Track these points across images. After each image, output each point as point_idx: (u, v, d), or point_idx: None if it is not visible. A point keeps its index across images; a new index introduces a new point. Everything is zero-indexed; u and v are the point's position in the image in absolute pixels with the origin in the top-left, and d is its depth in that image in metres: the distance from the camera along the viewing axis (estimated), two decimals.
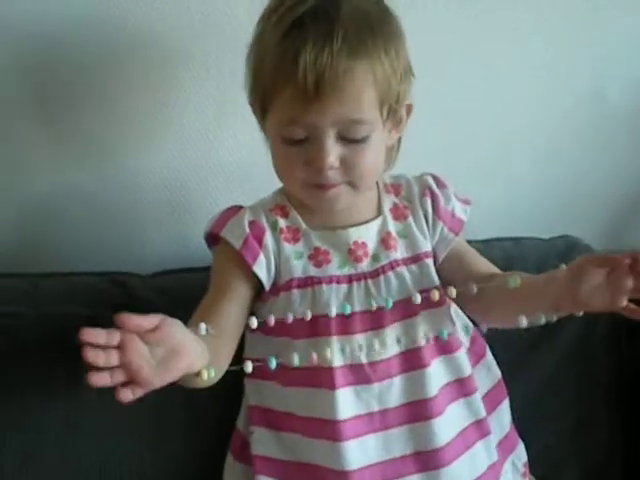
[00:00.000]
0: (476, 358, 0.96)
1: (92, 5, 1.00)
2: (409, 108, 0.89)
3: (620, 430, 1.12)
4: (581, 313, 0.81)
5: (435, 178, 0.96)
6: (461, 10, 1.17)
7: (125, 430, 0.92)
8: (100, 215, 1.09)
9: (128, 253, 1.10)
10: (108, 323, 0.90)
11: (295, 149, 0.82)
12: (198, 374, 0.74)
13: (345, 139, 0.82)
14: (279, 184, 0.93)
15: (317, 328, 0.86)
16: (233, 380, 0.90)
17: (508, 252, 1.14)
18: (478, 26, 1.18)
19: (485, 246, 1.12)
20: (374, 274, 0.89)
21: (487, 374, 0.97)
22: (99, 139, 1.06)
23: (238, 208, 0.91)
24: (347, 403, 0.85)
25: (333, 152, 0.81)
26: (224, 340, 0.84)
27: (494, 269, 0.96)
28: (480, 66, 1.20)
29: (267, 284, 0.88)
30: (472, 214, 0.97)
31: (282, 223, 0.89)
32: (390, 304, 0.86)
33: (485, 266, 0.96)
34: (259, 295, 0.90)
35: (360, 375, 0.86)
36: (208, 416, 0.95)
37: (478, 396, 0.92)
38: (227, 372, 0.92)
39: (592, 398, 1.11)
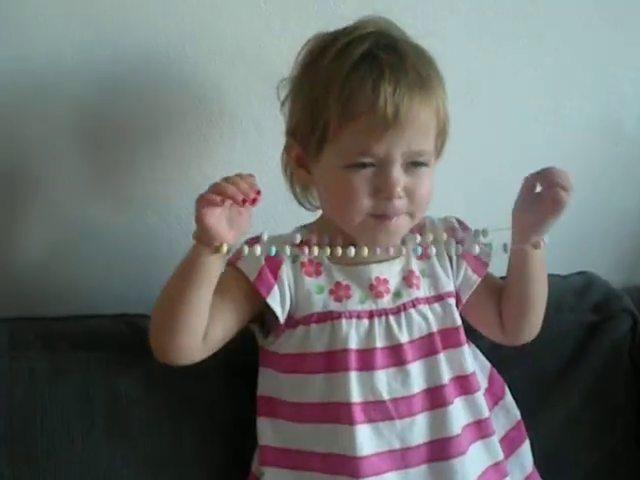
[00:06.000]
0: (495, 399, 0.96)
1: (119, 44, 1.00)
2: None
3: None
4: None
5: (459, 221, 0.96)
6: (475, 43, 1.17)
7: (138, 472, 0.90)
8: (115, 256, 1.07)
9: (143, 294, 1.07)
10: (124, 366, 0.91)
11: (359, 179, 0.81)
12: (219, 248, 0.79)
13: (408, 170, 0.82)
14: (297, 225, 0.93)
15: (335, 363, 0.85)
16: (246, 420, 0.91)
17: None
18: (492, 58, 1.18)
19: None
20: (395, 310, 0.88)
21: (506, 416, 0.96)
22: (113, 179, 1.05)
23: (258, 239, 0.89)
24: (367, 439, 0.84)
25: (400, 182, 0.81)
26: (214, 326, 0.84)
27: None
28: (494, 98, 1.20)
29: (282, 316, 0.86)
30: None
31: (304, 257, 0.88)
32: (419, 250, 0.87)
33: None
34: (262, 326, 0.90)
35: (382, 412, 0.85)
36: (222, 457, 0.94)
37: (495, 439, 0.91)
38: (240, 411, 0.92)
39: (613, 437, 1.09)
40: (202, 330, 0.83)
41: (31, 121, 0.99)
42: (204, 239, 0.80)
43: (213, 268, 0.81)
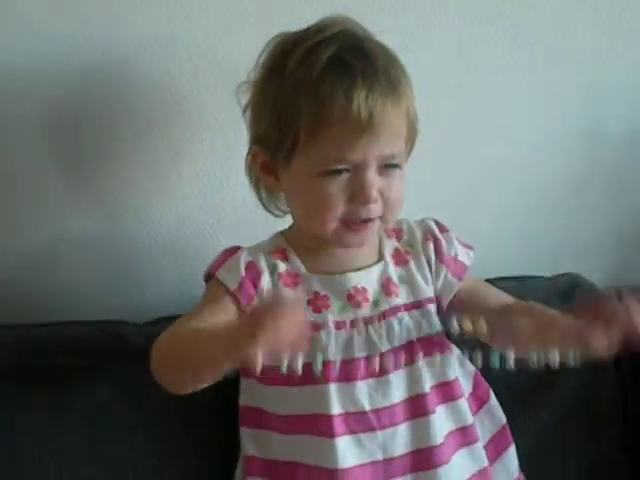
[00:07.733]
0: (479, 403, 0.95)
1: (104, 60, 1.00)
2: None
3: (626, 476, 1.11)
4: None
5: (437, 223, 0.95)
6: (455, 49, 1.17)
7: None
8: (95, 263, 1.06)
9: (127, 301, 1.07)
10: (101, 373, 0.91)
11: (335, 186, 0.81)
12: None
13: (382, 173, 0.82)
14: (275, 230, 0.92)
15: (314, 375, 0.83)
16: (229, 431, 0.90)
17: (511, 292, 1.11)
18: (472, 65, 1.18)
19: None
20: (375, 320, 0.87)
21: (491, 420, 0.95)
22: (92, 186, 1.05)
23: (236, 249, 0.89)
24: (348, 451, 0.83)
25: (376, 185, 0.81)
26: None
27: (508, 299, 0.93)
28: (474, 104, 1.19)
29: None
30: (475, 254, 0.96)
31: (282, 267, 0.87)
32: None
33: (498, 300, 0.93)
34: None
35: (363, 423, 0.84)
36: (206, 470, 0.94)
37: (480, 445, 0.90)
38: (223, 422, 0.92)
39: (598, 443, 1.09)
40: None
41: (6, 125, 0.98)
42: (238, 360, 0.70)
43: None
